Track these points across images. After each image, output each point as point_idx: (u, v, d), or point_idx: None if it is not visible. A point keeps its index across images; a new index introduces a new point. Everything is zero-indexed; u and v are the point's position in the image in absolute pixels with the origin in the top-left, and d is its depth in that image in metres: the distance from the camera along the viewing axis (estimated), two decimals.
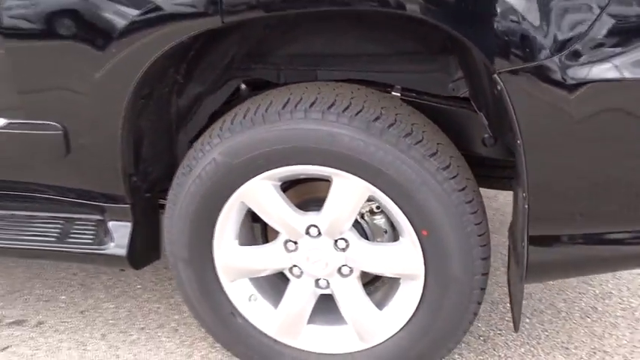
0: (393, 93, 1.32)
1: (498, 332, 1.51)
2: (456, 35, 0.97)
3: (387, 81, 1.36)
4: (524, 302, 1.58)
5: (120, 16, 1.08)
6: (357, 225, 1.24)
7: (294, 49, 1.34)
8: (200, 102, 1.43)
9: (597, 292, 1.67)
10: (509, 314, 1.55)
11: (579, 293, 1.66)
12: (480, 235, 1.12)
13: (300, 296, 1.28)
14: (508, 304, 1.60)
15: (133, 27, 1.08)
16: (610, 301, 1.62)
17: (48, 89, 1.22)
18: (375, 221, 1.27)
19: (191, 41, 1.13)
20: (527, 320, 1.55)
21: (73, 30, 1.13)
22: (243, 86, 1.45)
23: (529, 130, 0.96)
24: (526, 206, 1.01)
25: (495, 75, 0.94)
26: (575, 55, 0.90)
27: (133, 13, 1.07)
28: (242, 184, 1.17)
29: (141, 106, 1.24)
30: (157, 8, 1.05)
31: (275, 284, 1.34)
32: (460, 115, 1.34)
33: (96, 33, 1.11)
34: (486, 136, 1.31)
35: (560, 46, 0.90)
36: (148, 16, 1.07)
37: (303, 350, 1.32)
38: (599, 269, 1.29)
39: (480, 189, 1.19)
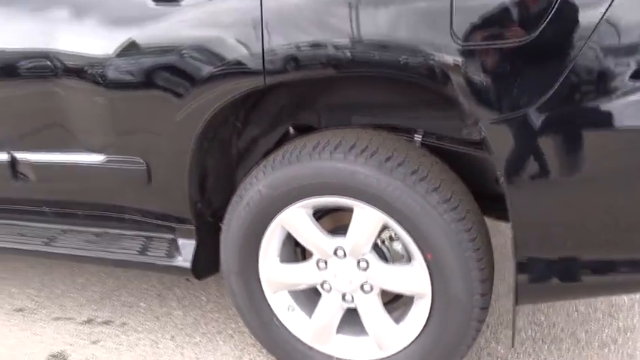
0: (416, 137, 1.53)
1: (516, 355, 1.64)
2: (445, 92, 1.18)
3: (413, 126, 1.57)
4: (545, 330, 1.71)
5: (184, 76, 1.39)
6: (378, 249, 1.46)
7: (332, 99, 1.60)
8: (256, 143, 1.72)
9: (621, 325, 1.74)
10: (526, 338, 1.68)
11: (602, 325, 1.74)
12: (478, 260, 1.30)
13: (330, 308, 1.50)
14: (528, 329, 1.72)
15: (199, 83, 1.39)
16: (632, 334, 1.69)
17: (136, 131, 1.56)
18: (393, 246, 1.48)
19: (246, 95, 1.42)
20: (546, 347, 1.66)
21: (158, 82, 1.45)
22: (291, 130, 1.72)
23: (507, 169, 1.14)
24: (512, 235, 1.19)
25: (479, 124, 1.15)
26: (542, 107, 1.08)
27: (198, 73, 1.38)
28: (281, 211, 1.43)
29: (206, 146, 1.54)
30: (215, 70, 1.35)
31: (310, 297, 1.57)
32: (477, 157, 1.53)
33: (173, 86, 1.43)
34: (498, 173, 1.49)
35: (529, 100, 1.09)
36: (210, 75, 1.37)
37: (332, 357, 1.53)
38: (584, 295, 1.41)
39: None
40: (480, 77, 1.12)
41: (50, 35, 1.58)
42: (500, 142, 1.14)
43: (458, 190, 1.34)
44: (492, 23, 1.09)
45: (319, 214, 1.51)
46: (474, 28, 1.10)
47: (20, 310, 2.12)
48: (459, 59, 1.12)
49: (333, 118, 1.64)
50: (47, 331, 1.95)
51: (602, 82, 1.06)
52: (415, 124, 1.56)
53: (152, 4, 1.41)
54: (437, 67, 1.15)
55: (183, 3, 1.38)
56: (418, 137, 1.53)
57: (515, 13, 1.07)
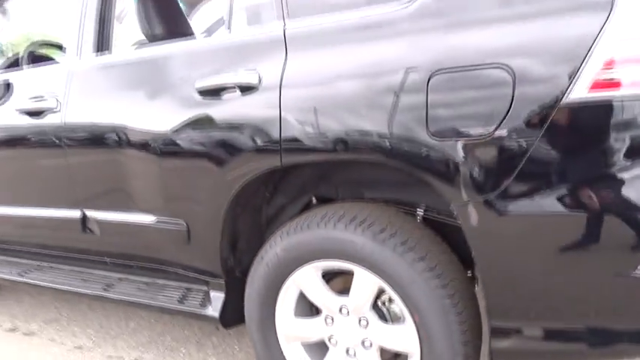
0: (418, 211, 1.74)
1: None
2: (424, 177, 1.40)
3: (416, 201, 1.78)
4: None
5: (220, 153, 1.69)
6: (378, 309, 1.65)
7: (346, 176, 1.85)
8: (283, 210, 1.98)
9: None
10: None
11: None
12: (461, 323, 1.46)
13: None
14: None
15: (231, 160, 1.68)
16: None
17: (180, 197, 1.87)
18: (392, 307, 1.66)
19: (270, 172, 1.70)
20: None
21: (199, 157, 1.76)
22: (313, 199, 1.98)
23: (474, 244, 1.34)
24: (484, 302, 1.36)
25: (451, 206, 1.36)
26: (502, 194, 1.28)
27: (230, 152, 1.67)
28: (294, 271, 1.67)
29: (239, 212, 1.82)
30: (243, 151, 1.64)
31: (320, 350, 1.77)
32: None
33: (211, 161, 1.73)
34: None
35: (492, 186, 1.29)
36: (240, 154, 1.66)
37: None
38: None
39: None
40: (449, 167, 1.33)
41: (118, 114, 1.96)
42: (468, 221, 1.34)
43: (444, 259, 1.52)
44: (460, 124, 1.32)
45: (330, 276, 1.73)
46: (445, 128, 1.33)
47: (79, 347, 2.43)
48: (433, 152, 1.35)
49: (349, 192, 1.88)
50: None
51: (553, 173, 1.25)
52: (418, 199, 1.77)
53: (199, 97, 1.75)
54: (416, 157, 1.38)
55: (222, 98, 1.70)
56: (420, 211, 1.74)
57: (476, 114, 1.30)
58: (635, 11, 1.16)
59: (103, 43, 2.13)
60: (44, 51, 3.03)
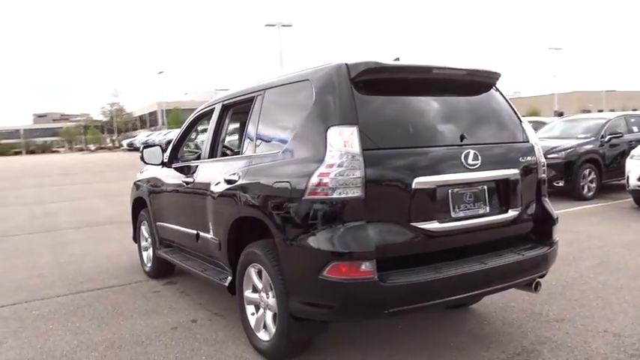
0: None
1: None
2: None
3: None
4: None
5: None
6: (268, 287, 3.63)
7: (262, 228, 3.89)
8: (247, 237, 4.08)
9: None
10: None
11: None
12: (282, 282, 3.35)
13: None
14: None
15: (227, 210, 3.92)
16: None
17: (219, 222, 4.16)
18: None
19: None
20: None
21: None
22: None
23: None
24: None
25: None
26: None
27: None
28: (247, 268, 3.77)
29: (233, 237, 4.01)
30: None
31: (258, 307, 3.80)
32: None
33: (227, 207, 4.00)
34: None
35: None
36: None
37: None
38: None
39: None
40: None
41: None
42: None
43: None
44: None
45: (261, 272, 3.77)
46: None
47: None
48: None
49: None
50: None
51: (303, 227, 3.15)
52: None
53: (224, 183, 4.01)
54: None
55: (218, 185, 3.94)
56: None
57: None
58: (330, 164, 2.97)
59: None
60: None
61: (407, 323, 4.11)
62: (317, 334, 3.44)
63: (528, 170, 3.61)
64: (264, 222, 3.39)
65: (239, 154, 4.10)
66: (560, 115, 32.01)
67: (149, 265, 5.96)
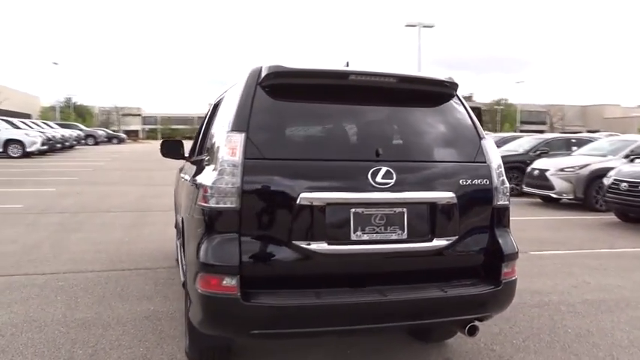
0: None
1: None
2: None
3: None
4: None
5: None
6: None
7: None
8: None
9: None
10: None
11: None
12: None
13: None
14: None
15: None
16: None
17: None
18: None
19: None
20: None
21: None
22: None
23: None
24: None
25: None
26: None
27: None
28: None
29: None
30: None
31: None
32: None
33: None
34: None
35: None
36: None
37: None
38: None
39: None
40: None
41: None
42: None
43: None
44: None
45: None
46: None
47: None
48: None
49: None
50: None
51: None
52: None
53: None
54: None
55: None
56: None
57: None
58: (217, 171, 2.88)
59: None
60: None
61: (358, 350, 3.82)
62: (219, 343, 3.35)
63: (475, 195, 3.10)
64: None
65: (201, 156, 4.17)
66: None
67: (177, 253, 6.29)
